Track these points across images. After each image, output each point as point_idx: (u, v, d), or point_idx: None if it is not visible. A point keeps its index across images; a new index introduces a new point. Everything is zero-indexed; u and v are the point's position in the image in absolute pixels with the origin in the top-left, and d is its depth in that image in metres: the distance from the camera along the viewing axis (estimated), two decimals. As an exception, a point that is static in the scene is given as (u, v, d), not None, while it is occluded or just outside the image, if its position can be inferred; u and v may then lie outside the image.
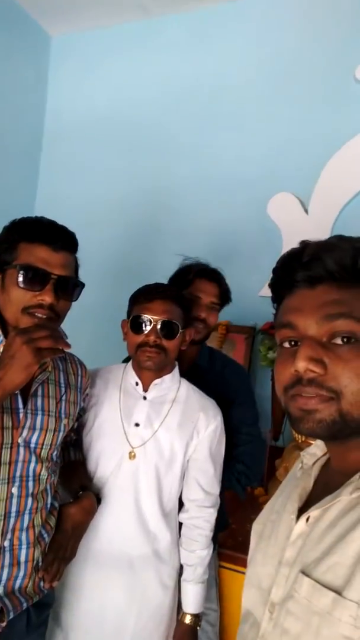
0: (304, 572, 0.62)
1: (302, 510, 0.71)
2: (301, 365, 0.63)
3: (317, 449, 0.81)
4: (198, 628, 1.44)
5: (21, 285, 1.07)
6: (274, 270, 0.74)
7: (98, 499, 1.34)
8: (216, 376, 1.70)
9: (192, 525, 1.45)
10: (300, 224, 2.32)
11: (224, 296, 1.68)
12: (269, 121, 2.46)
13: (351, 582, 0.56)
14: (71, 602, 1.37)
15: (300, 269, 0.68)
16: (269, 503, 0.87)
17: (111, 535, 1.38)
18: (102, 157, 2.84)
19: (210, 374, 1.70)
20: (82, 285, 1.19)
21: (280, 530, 0.74)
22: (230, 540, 1.78)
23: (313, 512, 0.67)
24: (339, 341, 0.63)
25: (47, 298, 1.08)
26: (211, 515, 1.46)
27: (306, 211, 2.32)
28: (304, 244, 0.69)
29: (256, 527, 0.86)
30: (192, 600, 1.42)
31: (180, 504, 1.49)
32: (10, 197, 2.74)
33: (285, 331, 0.69)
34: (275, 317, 0.74)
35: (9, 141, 2.72)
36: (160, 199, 2.66)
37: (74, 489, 1.32)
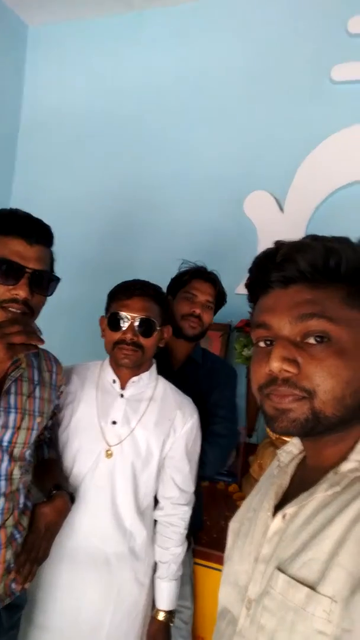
0: (280, 569, 0.63)
1: (278, 507, 0.72)
2: (275, 365, 0.64)
3: (293, 447, 0.82)
4: (171, 624, 1.45)
5: None
6: (250, 270, 0.75)
7: (72, 498, 1.32)
8: (207, 370, 1.78)
9: (166, 522, 1.46)
10: (275, 222, 2.34)
11: (219, 297, 1.77)
12: (247, 119, 2.47)
13: (325, 577, 0.57)
14: (45, 602, 1.35)
15: (274, 269, 0.68)
16: (245, 501, 0.88)
17: (87, 533, 1.36)
18: (81, 151, 2.80)
19: (202, 369, 1.78)
20: (58, 279, 1.17)
21: (256, 528, 0.75)
22: (205, 537, 1.79)
23: (289, 509, 0.68)
24: (312, 341, 0.64)
25: (22, 292, 1.06)
26: (186, 513, 1.47)
27: (282, 209, 2.34)
28: (278, 245, 0.70)
29: (233, 525, 0.86)
30: (166, 598, 1.43)
31: (155, 502, 1.49)
32: None
33: (260, 331, 0.70)
34: (251, 316, 0.75)
35: None
36: (140, 194, 2.65)
37: (48, 488, 1.30)
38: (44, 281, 1.12)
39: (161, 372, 1.68)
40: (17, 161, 2.95)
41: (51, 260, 1.19)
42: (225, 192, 2.48)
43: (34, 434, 1.21)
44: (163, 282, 2.46)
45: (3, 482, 1.12)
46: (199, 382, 1.73)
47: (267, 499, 0.76)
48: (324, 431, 0.65)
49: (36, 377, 1.25)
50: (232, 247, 2.43)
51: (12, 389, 1.16)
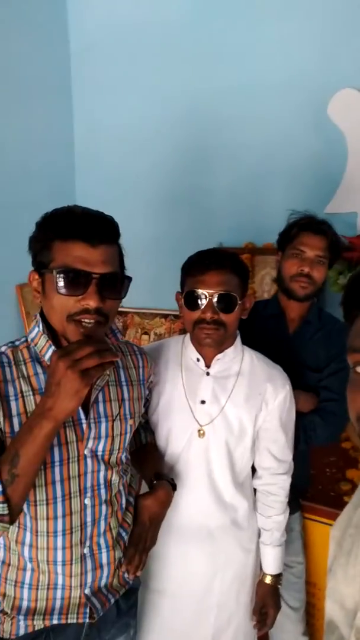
0: None
1: None
2: None
3: None
4: (279, 586, 1.48)
5: (61, 291, 0.96)
6: (345, 287, 0.68)
7: (173, 486, 1.31)
8: (326, 333, 1.66)
9: (266, 492, 1.44)
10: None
11: (333, 248, 1.59)
12: (321, 3, 2.04)
13: None
14: (159, 569, 1.41)
15: None
16: (347, 509, 0.82)
17: (189, 510, 1.38)
18: (137, 71, 2.52)
19: (321, 331, 1.67)
20: (129, 279, 1.06)
21: None
22: (310, 490, 1.78)
23: None
24: None
25: (92, 302, 0.96)
26: (285, 481, 1.44)
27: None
28: None
29: (335, 533, 0.81)
30: (272, 562, 1.45)
31: (253, 470, 1.47)
32: (48, 127, 2.53)
33: (357, 356, 0.66)
34: (347, 338, 0.69)
35: (36, 65, 2.43)
36: (206, 111, 2.37)
37: (149, 476, 1.30)
38: (115, 284, 1.02)
39: (276, 335, 1.63)
40: (74, 97, 2.71)
41: (120, 257, 1.07)
42: (304, 96, 2.14)
43: (128, 437, 1.18)
44: (241, 210, 2.32)
45: (103, 491, 1.12)
46: (316, 346, 1.63)
47: None
48: None
49: (123, 378, 1.20)
50: (317, 162, 2.16)
51: (100, 397, 1.12)
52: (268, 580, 1.45)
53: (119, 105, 2.59)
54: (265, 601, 1.46)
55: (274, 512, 1.43)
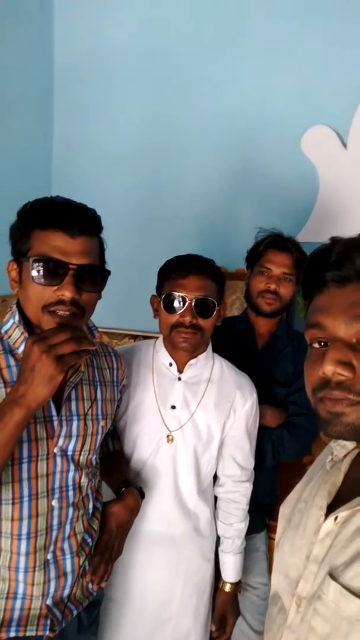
0: (332, 575, 0.63)
1: (331, 507, 0.71)
2: (328, 368, 0.62)
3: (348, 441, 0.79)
4: (238, 593, 1.49)
5: (37, 280, 0.94)
6: (303, 268, 0.73)
7: (142, 493, 1.29)
8: (294, 349, 1.68)
9: (228, 499, 1.45)
10: (338, 160, 2.12)
11: (299, 265, 1.60)
12: (299, 42, 2.16)
13: None
14: (121, 579, 1.38)
15: (329, 267, 0.66)
16: (297, 487, 0.86)
17: (152, 516, 1.36)
18: (118, 96, 2.58)
19: (289, 346, 1.69)
20: (108, 272, 1.06)
21: (308, 523, 0.74)
22: (277, 509, 1.78)
23: (342, 513, 0.66)
24: None
25: (67, 293, 0.94)
26: (247, 489, 1.45)
27: (344, 145, 2.11)
28: (333, 241, 0.67)
29: (284, 510, 0.85)
30: (231, 570, 1.46)
31: (215, 477, 1.48)
32: (26, 145, 2.54)
33: (314, 331, 0.68)
34: (305, 315, 0.73)
35: (19, 82, 2.44)
36: (185, 138, 2.44)
37: (116, 483, 1.27)
38: (92, 276, 1.00)
39: (245, 349, 1.65)
40: (55, 113, 2.74)
41: (101, 250, 1.07)
42: (278, 131, 2.23)
43: (99, 438, 1.15)
44: (213, 235, 2.36)
45: (71, 492, 1.08)
46: (285, 361, 1.65)
47: (319, 495, 0.75)
48: None
49: (97, 378, 1.18)
50: (291, 191, 2.23)
51: (73, 395, 1.09)
52: (228, 588, 1.45)
53: (98, 127, 2.64)
54: (225, 609, 1.45)
55: (235, 520, 1.44)
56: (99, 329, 2.64)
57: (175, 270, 1.29)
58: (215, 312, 1.29)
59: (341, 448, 0.78)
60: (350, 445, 0.77)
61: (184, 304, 1.26)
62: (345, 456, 0.77)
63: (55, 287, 0.95)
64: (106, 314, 2.42)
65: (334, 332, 0.64)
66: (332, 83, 2.12)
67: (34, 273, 0.94)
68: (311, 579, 0.68)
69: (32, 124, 2.60)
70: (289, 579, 0.73)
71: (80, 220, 0.97)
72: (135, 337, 2.58)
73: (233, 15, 2.29)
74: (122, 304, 2.36)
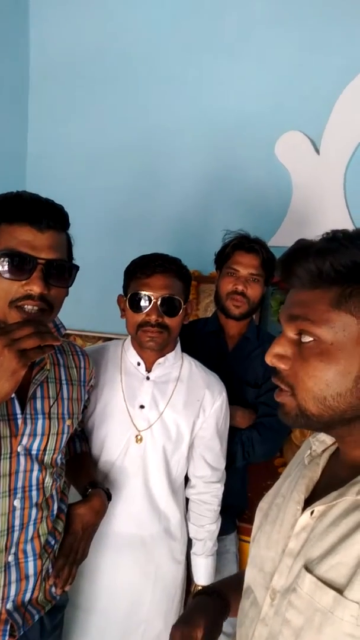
0: (307, 568, 0.64)
1: (308, 501, 0.73)
2: (267, 359, 0.69)
3: (326, 437, 0.80)
4: None
5: (4, 275, 0.93)
6: (278, 263, 0.77)
7: (108, 495, 1.27)
8: (264, 351, 1.67)
9: (200, 501, 1.44)
10: (311, 165, 2.15)
11: (267, 266, 1.61)
12: (274, 48, 2.19)
13: (353, 582, 0.58)
14: (88, 586, 1.35)
15: (281, 274, 0.72)
16: (276, 484, 0.87)
17: (122, 518, 1.34)
18: (94, 98, 2.59)
19: (259, 348, 1.68)
20: (76, 268, 1.04)
21: (285, 518, 0.75)
22: (248, 512, 1.76)
23: (318, 507, 0.68)
24: (305, 339, 0.66)
25: (35, 287, 0.93)
26: (218, 490, 1.45)
27: (317, 151, 2.15)
28: (292, 247, 0.71)
29: (262, 505, 0.86)
30: (204, 573, 1.44)
31: (186, 480, 1.47)
32: (0, 144, 2.53)
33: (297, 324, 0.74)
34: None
35: None
36: (158, 143, 2.45)
37: (82, 485, 1.25)
38: (61, 271, 0.99)
39: (216, 351, 1.65)
40: (30, 114, 2.73)
41: (68, 246, 1.06)
42: (253, 135, 2.26)
43: (65, 438, 1.13)
44: (188, 238, 2.36)
45: (35, 492, 1.06)
46: (255, 362, 1.65)
47: (297, 490, 0.76)
48: (323, 428, 0.69)
49: (63, 377, 1.16)
50: (264, 196, 2.26)
51: (38, 393, 1.07)
52: None
53: (74, 128, 2.64)
54: None
55: (207, 522, 1.43)
56: (74, 331, 2.60)
57: (141, 269, 1.29)
58: (181, 311, 1.29)
59: (320, 443, 0.80)
60: (329, 440, 0.79)
61: (149, 303, 1.25)
62: (323, 451, 0.79)
63: (23, 282, 0.94)
64: (80, 317, 2.42)
65: (284, 327, 0.70)
66: (305, 90, 2.16)
67: (1, 268, 0.93)
68: (286, 572, 0.69)
69: (6, 125, 2.58)
70: (264, 572, 0.75)
71: (48, 214, 0.96)
72: (109, 340, 2.55)
73: (208, 19, 2.32)
74: (97, 307, 2.35)
